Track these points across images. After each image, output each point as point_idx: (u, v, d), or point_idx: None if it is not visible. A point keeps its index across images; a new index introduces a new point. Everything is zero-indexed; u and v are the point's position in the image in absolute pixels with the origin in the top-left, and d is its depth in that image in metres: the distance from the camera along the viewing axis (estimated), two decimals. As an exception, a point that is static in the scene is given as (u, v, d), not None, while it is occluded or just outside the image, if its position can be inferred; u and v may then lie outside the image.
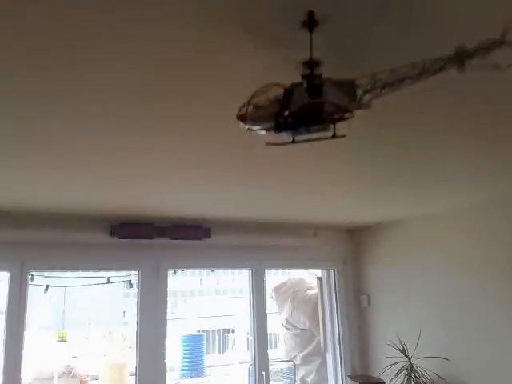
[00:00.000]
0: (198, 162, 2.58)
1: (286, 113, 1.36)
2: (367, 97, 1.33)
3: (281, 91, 1.35)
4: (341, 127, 1.41)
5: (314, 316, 6.19)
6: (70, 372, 8.81)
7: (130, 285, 8.45)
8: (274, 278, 7.92)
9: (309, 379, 6.58)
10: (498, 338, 3.67)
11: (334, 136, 1.43)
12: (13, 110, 1.75)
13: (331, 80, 1.34)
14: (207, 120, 1.95)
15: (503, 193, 3.49)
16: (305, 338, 6.69)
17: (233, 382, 9.98)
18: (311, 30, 1.34)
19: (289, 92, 1.35)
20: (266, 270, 5.01)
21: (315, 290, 6.13)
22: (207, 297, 16.40)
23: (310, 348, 6.62)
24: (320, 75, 1.35)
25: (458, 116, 1.97)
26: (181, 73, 1.53)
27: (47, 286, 7.39)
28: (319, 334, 5.80)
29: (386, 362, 4.32)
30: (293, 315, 6.74)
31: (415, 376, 4.10)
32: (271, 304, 6.88)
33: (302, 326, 6.63)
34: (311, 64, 1.34)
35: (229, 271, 13.17)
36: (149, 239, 4.18)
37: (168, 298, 4.50)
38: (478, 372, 3.80)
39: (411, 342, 4.28)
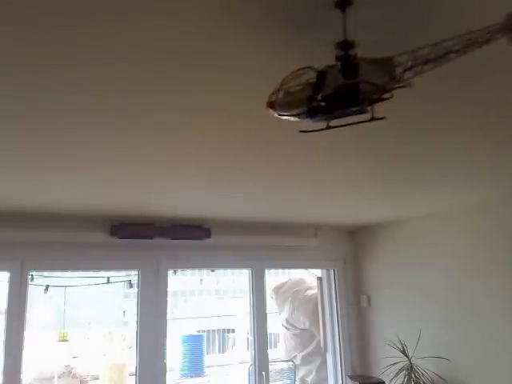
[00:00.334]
0: (197, 161, 2.58)
1: (320, 96, 1.29)
2: (408, 74, 1.25)
3: (313, 75, 1.29)
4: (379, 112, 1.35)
5: (314, 316, 6.19)
6: (70, 372, 8.81)
7: (130, 285, 8.44)
8: (274, 278, 7.92)
9: (309, 379, 6.58)
10: (499, 338, 3.67)
11: (373, 119, 1.36)
12: (11, 104, 1.73)
13: (367, 59, 1.27)
14: (209, 116, 1.95)
15: (508, 190, 3.46)
16: (305, 338, 6.69)
17: (233, 382, 9.98)
18: (344, 10, 1.27)
19: (322, 74, 1.29)
20: (266, 270, 5.01)
21: (315, 290, 6.13)
22: (207, 297, 16.39)
23: (310, 348, 6.62)
24: (355, 55, 1.29)
25: (467, 110, 1.95)
26: (192, 61, 1.48)
27: (47, 286, 7.39)
28: (319, 334, 5.80)
29: (386, 362, 4.32)
30: (293, 315, 6.74)
31: (415, 376, 4.10)
32: (271, 304, 6.88)
33: (302, 326, 6.63)
34: (345, 45, 1.28)
35: (229, 271, 13.16)
36: (149, 239, 4.18)
37: (168, 298, 4.50)
38: (478, 372, 3.80)
39: (411, 342, 4.28)
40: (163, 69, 1.52)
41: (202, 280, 16.98)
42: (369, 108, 1.34)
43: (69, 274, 8.26)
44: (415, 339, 4.26)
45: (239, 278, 13.66)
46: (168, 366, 4.51)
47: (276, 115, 1.37)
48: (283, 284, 7.05)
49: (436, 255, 4.28)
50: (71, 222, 3.93)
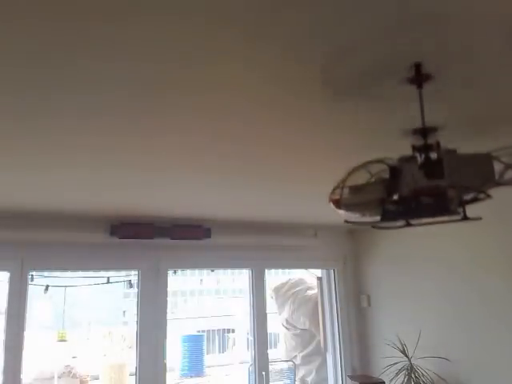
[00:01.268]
0: (197, 161, 2.58)
1: (395, 197, 1.07)
2: (510, 173, 1.03)
3: (384, 168, 1.07)
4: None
5: (314, 316, 6.19)
6: (69, 372, 8.81)
7: (130, 285, 8.45)
8: (274, 278, 7.92)
9: (309, 379, 6.58)
10: (499, 338, 3.67)
11: (466, 218, 1.12)
12: (12, 105, 1.73)
13: (454, 153, 1.04)
14: (207, 118, 1.95)
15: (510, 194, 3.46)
16: (305, 338, 6.69)
17: (233, 382, 9.98)
18: (420, 85, 1.08)
19: (396, 171, 1.05)
20: (266, 270, 5.01)
21: (315, 290, 6.12)
22: (207, 297, 16.40)
23: (310, 348, 6.62)
24: (437, 144, 1.06)
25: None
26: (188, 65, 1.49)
27: (47, 286, 7.39)
28: (319, 334, 5.80)
29: (386, 362, 4.32)
30: (293, 315, 6.74)
31: (415, 376, 4.09)
32: (271, 304, 6.88)
33: (302, 326, 6.63)
34: (424, 131, 1.05)
35: (229, 271, 13.17)
36: (149, 239, 4.18)
37: (168, 298, 4.50)
38: (478, 372, 3.80)
39: (411, 342, 4.28)
40: (163, 72, 1.52)
41: (201, 280, 16.99)
42: (459, 209, 1.12)
43: (69, 273, 8.26)
44: (415, 339, 4.26)
45: (239, 278, 13.66)
46: (168, 366, 4.51)
47: (342, 215, 1.18)
48: (283, 284, 7.04)
49: (436, 255, 4.28)
50: (71, 222, 3.93)
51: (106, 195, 3.30)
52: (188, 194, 3.36)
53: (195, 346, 10.77)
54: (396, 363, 4.24)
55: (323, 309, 5.43)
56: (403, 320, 4.60)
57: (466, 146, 1.13)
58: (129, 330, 10.93)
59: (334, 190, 1.18)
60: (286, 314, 6.85)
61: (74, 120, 1.89)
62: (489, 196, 1.10)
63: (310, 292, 6.67)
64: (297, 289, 6.87)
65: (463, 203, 1.11)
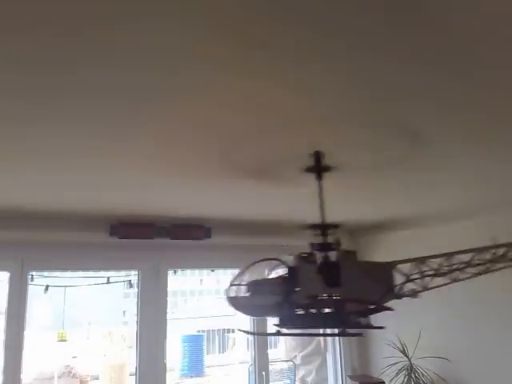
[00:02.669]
0: (196, 161, 2.57)
1: (289, 304, 1.00)
2: (411, 286, 0.96)
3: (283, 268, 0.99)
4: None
5: (314, 316, 6.19)
6: (69, 372, 8.81)
7: (130, 285, 8.43)
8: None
9: (309, 379, 6.57)
10: (499, 338, 3.67)
11: (370, 327, 1.03)
12: (11, 109, 1.74)
13: (354, 258, 0.95)
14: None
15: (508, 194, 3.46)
16: (305, 338, 6.68)
17: (233, 382, 9.98)
18: (320, 175, 1.11)
19: (294, 271, 0.98)
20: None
21: (315, 290, 6.12)
22: (207, 297, 16.39)
23: (309, 348, 6.61)
24: (338, 243, 0.97)
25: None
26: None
27: (47, 286, 7.38)
28: (319, 333, 5.80)
29: (386, 362, 4.32)
30: (293, 315, 6.74)
31: (415, 376, 4.10)
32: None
33: (302, 326, 6.63)
34: (324, 228, 0.98)
35: (229, 271, 13.17)
36: (149, 239, 4.18)
37: (168, 298, 4.50)
38: (478, 372, 3.80)
39: (411, 342, 4.28)
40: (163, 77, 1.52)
41: (201, 280, 16.98)
42: (360, 320, 1.03)
43: (69, 273, 8.26)
44: (415, 339, 4.26)
45: (239, 278, 13.62)
46: (168, 366, 4.51)
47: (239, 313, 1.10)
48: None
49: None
50: (71, 222, 3.92)
51: (105, 195, 3.30)
52: (188, 194, 3.36)
53: (195, 346, 10.76)
54: (396, 363, 4.24)
55: (323, 309, 5.43)
56: (403, 320, 4.59)
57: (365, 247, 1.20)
58: (129, 329, 10.92)
59: (231, 285, 1.07)
60: (285, 314, 6.85)
61: (74, 125, 1.90)
62: (388, 309, 0.96)
63: (310, 292, 6.67)
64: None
65: (366, 314, 1.02)
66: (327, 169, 1.15)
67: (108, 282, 8.61)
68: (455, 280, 0.93)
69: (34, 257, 3.92)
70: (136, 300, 4.43)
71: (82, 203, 3.51)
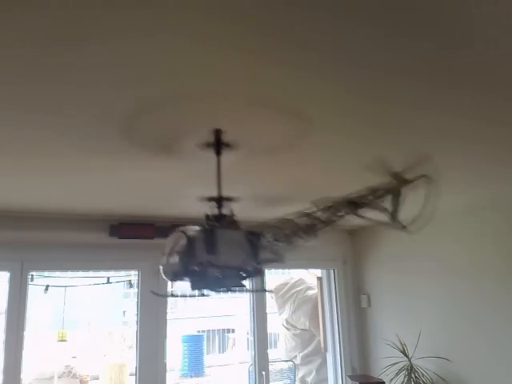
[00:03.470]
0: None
1: (189, 270, 1.26)
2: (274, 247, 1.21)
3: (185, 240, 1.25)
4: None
5: (314, 316, 6.19)
6: (69, 372, 8.82)
7: (130, 285, 8.45)
8: (275, 277, 7.91)
9: (309, 379, 6.58)
10: (499, 338, 3.67)
11: (258, 290, 1.37)
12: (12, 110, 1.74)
13: (228, 229, 1.20)
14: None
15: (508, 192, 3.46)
16: (305, 338, 6.69)
17: (233, 382, 9.98)
18: (219, 152, 1.28)
19: (192, 241, 1.25)
20: (266, 270, 5.00)
21: (315, 290, 6.12)
22: (207, 297, 16.38)
23: (309, 348, 6.62)
24: (231, 216, 1.21)
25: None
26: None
27: (47, 286, 7.40)
28: (319, 334, 5.80)
29: (386, 362, 4.32)
30: (293, 316, 6.74)
31: (415, 376, 4.09)
32: (271, 304, 6.88)
33: (302, 327, 6.63)
34: (219, 200, 1.22)
35: (229, 271, 13.15)
36: (149, 239, 4.18)
37: (168, 298, 4.50)
38: (478, 372, 3.80)
39: (411, 342, 4.28)
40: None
41: (201, 280, 16.97)
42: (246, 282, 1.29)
43: (69, 274, 8.26)
44: (415, 339, 4.26)
45: (239, 278, 13.63)
46: (168, 366, 4.51)
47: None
48: (284, 285, 7.04)
49: (436, 255, 4.28)
50: (71, 222, 3.93)
51: (105, 195, 3.30)
52: (188, 194, 3.36)
53: (195, 345, 10.77)
54: (396, 363, 4.24)
55: (323, 309, 5.43)
56: (403, 320, 4.60)
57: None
58: (129, 329, 10.93)
59: (162, 255, 1.31)
60: (285, 314, 6.85)
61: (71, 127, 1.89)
62: (255, 274, 1.20)
63: (310, 292, 6.67)
64: (297, 289, 6.87)
65: (245, 278, 1.25)
66: (226, 145, 1.31)
67: (108, 282, 8.61)
68: (314, 233, 1.19)
69: (34, 257, 3.92)
70: (136, 300, 4.43)
71: (82, 203, 3.51)
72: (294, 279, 7.06)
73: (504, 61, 1.43)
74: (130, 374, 8.21)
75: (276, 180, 2.20)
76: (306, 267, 5.96)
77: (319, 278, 5.51)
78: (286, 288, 6.97)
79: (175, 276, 1.32)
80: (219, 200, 1.23)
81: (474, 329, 3.88)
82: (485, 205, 3.80)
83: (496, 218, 3.78)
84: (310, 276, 6.76)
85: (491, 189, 3.41)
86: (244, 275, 1.25)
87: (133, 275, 7.26)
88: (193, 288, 1.33)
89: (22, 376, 3.76)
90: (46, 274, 7.42)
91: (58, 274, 7.97)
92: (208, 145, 1.31)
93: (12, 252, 3.79)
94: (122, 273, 8.65)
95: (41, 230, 3.79)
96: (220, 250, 1.19)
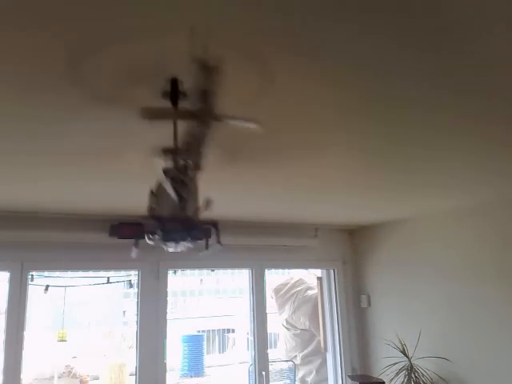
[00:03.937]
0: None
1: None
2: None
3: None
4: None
5: (314, 316, 6.19)
6: (69, 372, 8.83)
7: (130, 285, 8.45)
8: (275, 277, 7.92)
9: (309, 379, 6.58)
10: (498, 338, 3.67)
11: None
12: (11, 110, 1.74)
13: (172, 180, 1.30)
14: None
15: (509, 192, 3.46)
16: (305, 338, 6.69)
17: (233, 382, 9.98)
18: (175, 102, 1.27)
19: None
20: (266, 270, 5.01)
21: (315, 290, 6.12)
22: (207, 297, 16.39)
23: (309, 348, 6.62)
24: (185, 168, 1.32)
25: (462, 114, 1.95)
26: None
27: (47, 286, 7.40)
28: (319, 334, 5.80)
29: (386, 362, 4.32)
30: (293, 316, 6.74)
31: (415, 376, 4.09)
32: (271, 304, 6.88)
33: (302, 327, 6.63)
34: (175, 152, 1.28)
35: (229, 271, 13.16)
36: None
37: (168, 298, 4.50)
38: (478, 372, 3.80)
39: (411, 342, 4.28)
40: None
41: (201, 280, 16.98)
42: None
43: (69, 273, 8.26)
44: (415, 339, 4.27)
45: (239, 278, 13.65)
46: (168, 366, 4.51)
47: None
48: (284, 285, 7.04)
49: (436, 255, 4.28)
50: (71, 222, 3.93)
51: (105, 195, 3.30)
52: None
53: (195, 345, 10.77)
54: (396, 363, 4.24)
55: (323, 309, 5.43)
56: (403, 320, 4.60)
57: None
58: (129, 329, 10.93)
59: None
60: (285, 314, 6.85)
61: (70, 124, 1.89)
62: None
63: (310, 292, 6.67)
64: (297, 289, 6.87)
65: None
66: (183, 95, 1.27)
67: (108, 282, 8.62)
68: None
69: (34, 257, 3.91)
70: (136, 300, 4.43)
71: (82, 203, 3.51)
72: (294, 279, 7.05)
73: None
74: (130, 374, 8.22)
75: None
76: (306, 267, 5.96)
77: (319, 278, 5.51)
78: (286, 288, 6.97)
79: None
80: (175, 151, 1.25)
81: (473, 329, 3.88)
82: (483, 209, 3.80)
83: (494, 221, 3.78)
84: (309, 276, 6.76)
85: (489, 194, 3.42)
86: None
87: (133, 275, 7.27)
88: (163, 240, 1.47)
89: (21, 376, 3.76)
90: (46, 273, 7.42)
91: (57, 274, 7.98)
92: (165, 94, 1.28)
93: (12, 252, 3.79)
94: (122, 273, 8.66)
95: (41, 230, 3.79)
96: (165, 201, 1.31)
